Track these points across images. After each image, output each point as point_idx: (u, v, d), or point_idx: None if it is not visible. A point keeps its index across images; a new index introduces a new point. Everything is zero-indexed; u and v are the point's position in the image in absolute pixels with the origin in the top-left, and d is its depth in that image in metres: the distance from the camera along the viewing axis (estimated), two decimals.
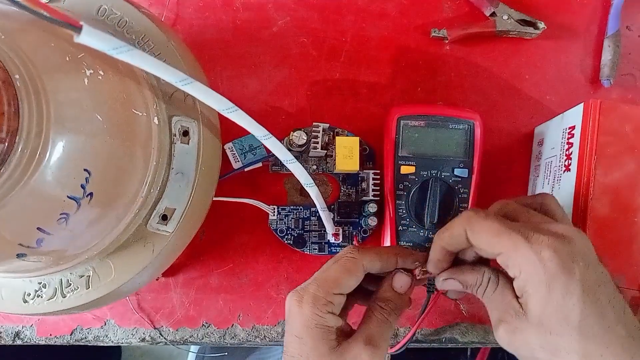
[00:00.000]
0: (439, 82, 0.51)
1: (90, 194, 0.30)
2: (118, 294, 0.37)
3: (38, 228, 0.30)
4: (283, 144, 0.48)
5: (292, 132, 0.47)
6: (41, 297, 0.36)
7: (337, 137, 0.47)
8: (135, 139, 0.33)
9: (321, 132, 0.47)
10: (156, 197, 0.36)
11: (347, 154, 0.46)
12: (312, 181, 0.40)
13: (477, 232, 0.33)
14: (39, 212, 0.29)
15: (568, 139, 0.43)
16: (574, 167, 0.42)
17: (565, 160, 0.43)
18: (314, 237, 0.48)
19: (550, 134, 0.47)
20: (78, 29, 0.25)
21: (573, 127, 0.43)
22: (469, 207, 0.45)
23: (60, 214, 0.30)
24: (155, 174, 0.35)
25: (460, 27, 0.50)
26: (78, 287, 0.36)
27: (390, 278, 0.37)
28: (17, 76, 0.26)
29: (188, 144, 0.36)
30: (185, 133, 0.36)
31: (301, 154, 0.48)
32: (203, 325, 0.49)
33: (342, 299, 0.35)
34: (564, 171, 0.43)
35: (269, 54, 0.51)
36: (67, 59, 0.29)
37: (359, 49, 0.51)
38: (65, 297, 0.36)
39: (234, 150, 0.46)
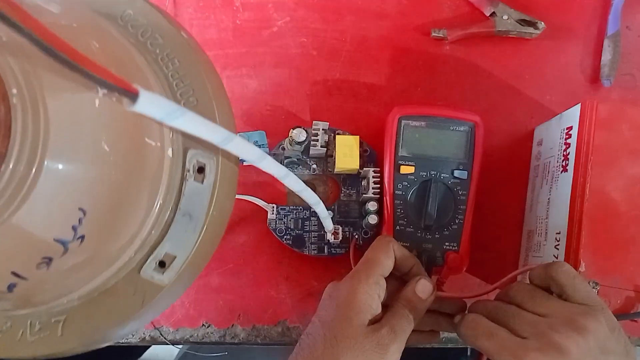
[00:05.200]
0: (439, 82, 0.51)
1: (82, 236, 0.25)
2: (94, 344, 0.31)
3: (12, 272, 0.25)
4: (283, 143, 0.48)
5: (291, 130, 0.47)
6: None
7: (337, 136, 0.47)
8: (144, 173, 0.28)
9: (321, 130, 0.47)
10: (156, 240, 0.30)
11: (347, 152, 0.46)
12: (319, 200, 0.40)
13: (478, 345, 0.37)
14: (17, 255, 0.24)
15: (566, 139, 0.44)
16: (570, 167, 0.42)
17: (562, 161, 0.44)
18: (314, 237, 0.48)
19: (549, 134, 0.47)
20: (134, 95, 0.21)
21: (570, 128, 0.43)
22: (467, 209, 0.45)
23: (42, 258, 0.25)
24: (159, 215, 0.29)
25: (460, 27, 0.50)
26: (48, 332, 0.30)
27: (414, 281, 0.40)
28: (14, 90, 0.21)
29: (202, 182, 0.30)
30: (201, 170, 0.30)
31: (301, 154, 0.48)
32: (203, 325, 0.49)
33: (385, 285, 0.39)
34: (562, 172, 0.43)
35: (269, 54, 0.50)
36: None
37: (359, 49, 0.51)
38: (31, 341, 0.29)
39: None
